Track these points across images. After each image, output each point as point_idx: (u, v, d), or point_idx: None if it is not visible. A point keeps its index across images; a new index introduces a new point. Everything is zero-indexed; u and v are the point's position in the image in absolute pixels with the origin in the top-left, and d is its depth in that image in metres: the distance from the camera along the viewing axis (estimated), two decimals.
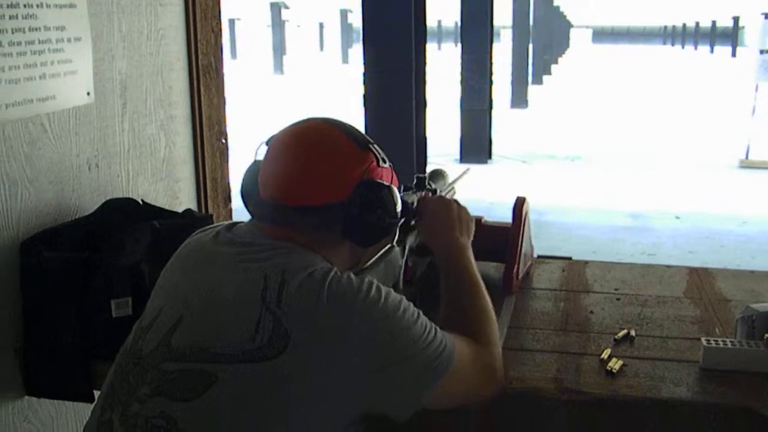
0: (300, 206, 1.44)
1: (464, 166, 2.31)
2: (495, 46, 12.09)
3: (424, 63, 6.41)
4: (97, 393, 1.55)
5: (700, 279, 2.25)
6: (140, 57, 2.43)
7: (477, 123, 11.81)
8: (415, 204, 1.74)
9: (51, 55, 2.05)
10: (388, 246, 1.65)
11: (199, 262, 1.48)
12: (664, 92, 22.77)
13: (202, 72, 2.72)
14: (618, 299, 2.10)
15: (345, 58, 38.36)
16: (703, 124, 15.84)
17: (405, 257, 1.75)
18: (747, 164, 11.35)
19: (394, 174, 1.56)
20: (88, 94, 2.20)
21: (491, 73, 11.87)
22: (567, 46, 43.36)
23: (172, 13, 2.59)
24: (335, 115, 1.56)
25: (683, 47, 56.14)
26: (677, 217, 8.45)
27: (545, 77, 25.44)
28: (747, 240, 7.57)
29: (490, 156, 11.97)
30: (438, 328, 1.41)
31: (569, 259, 2.44)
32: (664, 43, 61.17)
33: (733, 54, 43.90)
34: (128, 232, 1.99)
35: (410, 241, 1.77)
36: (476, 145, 11.77)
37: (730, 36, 47.46)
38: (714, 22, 50.05)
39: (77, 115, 2.16)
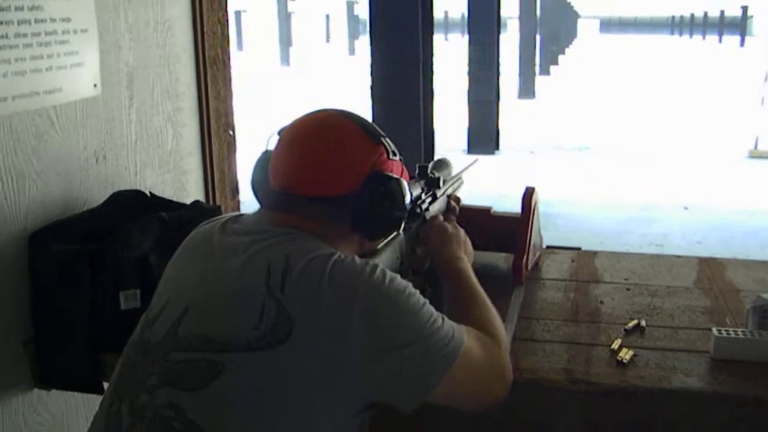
0: (309, 196, 1.43)
1: (472, 157, 2.29)
2: (502, 36, 12.06)
3: (432, 54, 6.39)
4: (106, 385, 1.55)
5: (710, 269, 2.24)
6: (147, 48, 2.42)
7: (484, 114, 11.80)
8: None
9: (57, 47, 2.05)
10: (394, 233, 1.64)
11: (205, 252, 1.48)
12: (673, 82, 22.68)
13: (209, 63, 2.71)
14: (628, 289, 2.09)
15: (351, 50, 38.31)
16: (711, 115, 15.77)
17: (413, 247, 1.74)
18: (756, 154, 11.31)
19: (404, 168, 1.55)
20: (95, 86, 2.19)
21: (498, 64, 11.84)
22: (574, 36, 43.24)
23: (179, 5, 2.58)
24: (343, 107, 1.55)
25: (691, 37, 55.94)
26: (685, 208, 8.43)
27: (552, 68, 25.36)
28: (756, 230, 7.54)
29: (497, 147, 11.95)
30: (446, 317, 1.39)
31: (578, 249, 2.43)
32: (672, 33, 60.95)
33: (742, 44, 43.70)
34: (136, 224, 1.98)
35: (417, 228, 1.76)
36: (484, 136, 11.75)
37: (738, 26, 47.25)
38: (722, 12, 49.83)
39: (84, 107, 2.16)
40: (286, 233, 1.40)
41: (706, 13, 53.88)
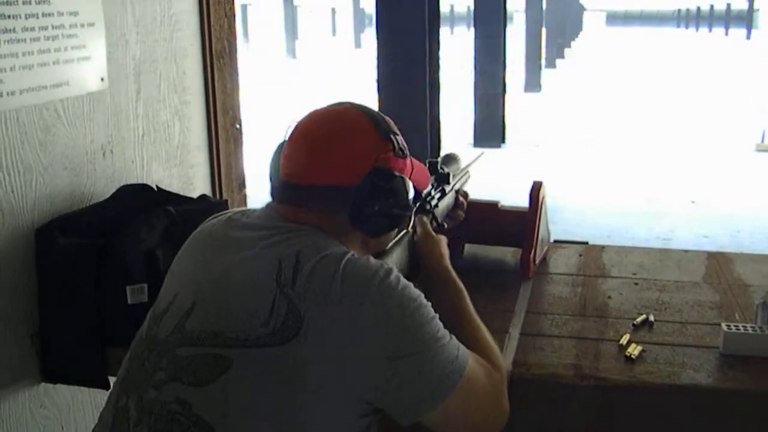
0: (309, 184, 1.43)
1: (478, 151, 2.29)
2: (508, 29, 12.04)
3: (438, 47, 6.37)
4: (112, 380, 1.54)
5: (718, 264, 2.23)
6: (154, 42, 2.41)
7: (490, 107, 11.79)
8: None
9: (64, 40, 2.04)
10: (404, 232, 1.63)
11: (212, 247, 1.47)
12: (679, 75, 22.62)
13: (215, 57, 2.70)
14: (636, 284, 2.08)
15: (357, 43, 38.28)
16: (718, 108, 15.73)
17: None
18: (763, 148, 11.28)
19: (415, 168, 1.52)
20: (102, 79, 2.19)
21: (504, 58, 11.82)
22: (580, 29, 43.14)
23: None
24: (361, 102, 1.53)
25: (697, 30, 55.76)
26: (693, 202, 8.41)
27: (558, 61, 25.31)
28: (763, 224, 7.52)
29: (503, 140, 11.94)
30: (453, 336, 1.36)
31: (586, 243, 2.43)
32: (678, 26, 60.76)
33: (748, 36, 43.56)
34: (143, 218, 1.98)
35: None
36: (490, 129, 11.74)
37: (744, 19, 47.08)
38: (729, 5, 49.66)
39: (91, 101, 2.16)
40: (295, 230, 1.40)
41: (712, 6, 53.73)
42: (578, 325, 1.85)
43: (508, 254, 2.25)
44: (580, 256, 2.30)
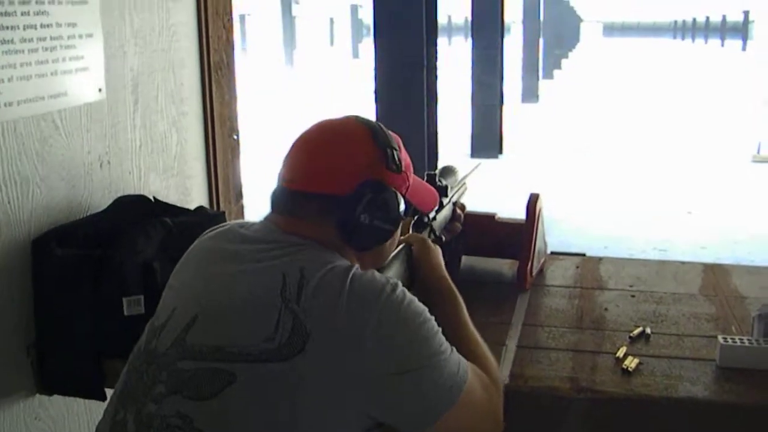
0: (303, 191, 1.42)
1: (476, 161, 2.29)
2: (506, 40, 12.07)
3: (436, 58, 6.38)
4: (109, 392, 1.54)
5: (715, 276, 2.23)
6: (152, 53, 2.42)
7: (488, 118, 11.81)
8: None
9: (62, 51, 2.04)
10: (402, 245, 1.63)
11: (212, 260, 1.46)
12: (676, 86, 22.67)
13: (213, 68, 2.71)
14: (633, 296, 2.08)
15: (355, 53, 38.33)
16: (714, 119, 15.76)
17: None
18: (759, 159, 11.30)
19: (416, 186, 1.52)
20: (100, 90, 2.19)
21: (502, 68, 11.85)
22: (577, 40, 43.25)
23: (184, 10, 2.58)
24: (345, 110, 1.54)
25: (693, 41, 55.91)
26: (689, 212, 8.41)
27: (556, 72, 25.38)
28: (760, 235, 7.52)
29: (501, 151, 11.95)
30: (454, 349, 1.37)
31: (583, 255, 2.43)
32: (675, 37, 60.93)
33: (744, 48, 43.68)
34: (140, 229, 1.98)
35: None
36: (487, 139, 11.75)
37: (740, 30, 47.22)
38: (724, 17, 49.82)
39: (89, 112, 2.16)
40: (296, 243, 1.39)
41: (708, 18, 53.89)
42: (575, 337, 1.85)
43: (505, 266, 2.25)
44: (577, 268, 2.31)
